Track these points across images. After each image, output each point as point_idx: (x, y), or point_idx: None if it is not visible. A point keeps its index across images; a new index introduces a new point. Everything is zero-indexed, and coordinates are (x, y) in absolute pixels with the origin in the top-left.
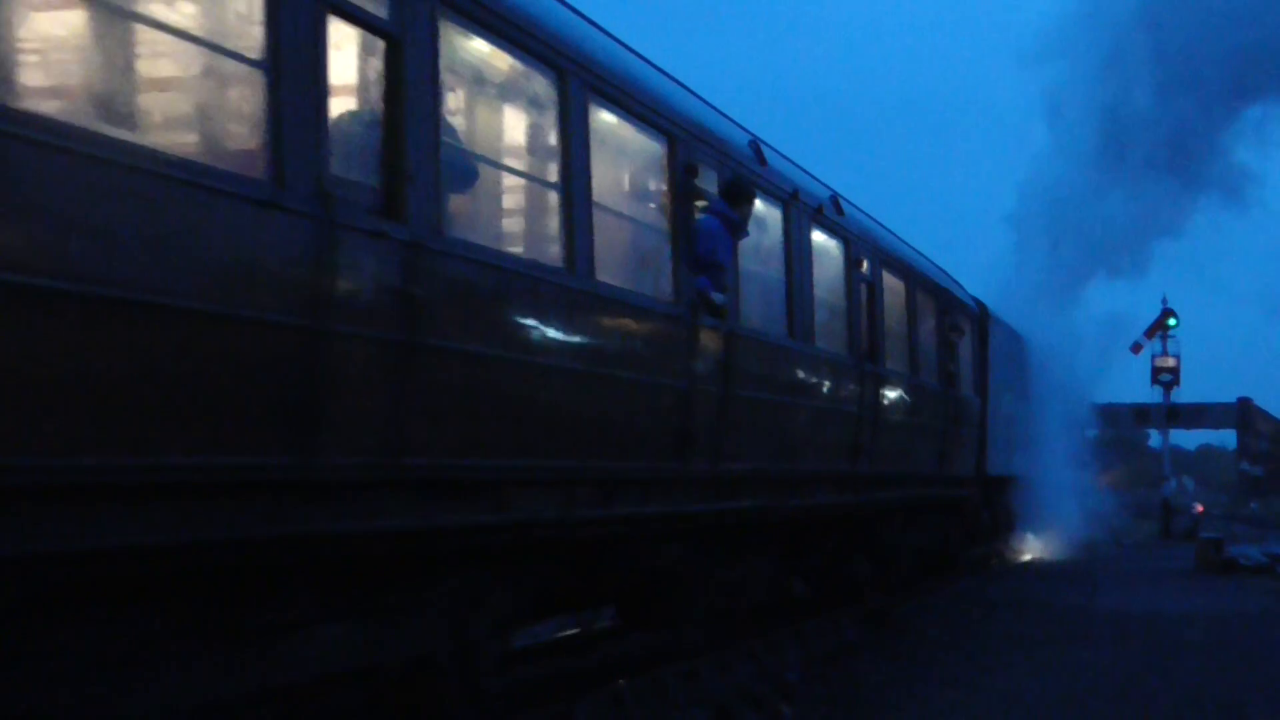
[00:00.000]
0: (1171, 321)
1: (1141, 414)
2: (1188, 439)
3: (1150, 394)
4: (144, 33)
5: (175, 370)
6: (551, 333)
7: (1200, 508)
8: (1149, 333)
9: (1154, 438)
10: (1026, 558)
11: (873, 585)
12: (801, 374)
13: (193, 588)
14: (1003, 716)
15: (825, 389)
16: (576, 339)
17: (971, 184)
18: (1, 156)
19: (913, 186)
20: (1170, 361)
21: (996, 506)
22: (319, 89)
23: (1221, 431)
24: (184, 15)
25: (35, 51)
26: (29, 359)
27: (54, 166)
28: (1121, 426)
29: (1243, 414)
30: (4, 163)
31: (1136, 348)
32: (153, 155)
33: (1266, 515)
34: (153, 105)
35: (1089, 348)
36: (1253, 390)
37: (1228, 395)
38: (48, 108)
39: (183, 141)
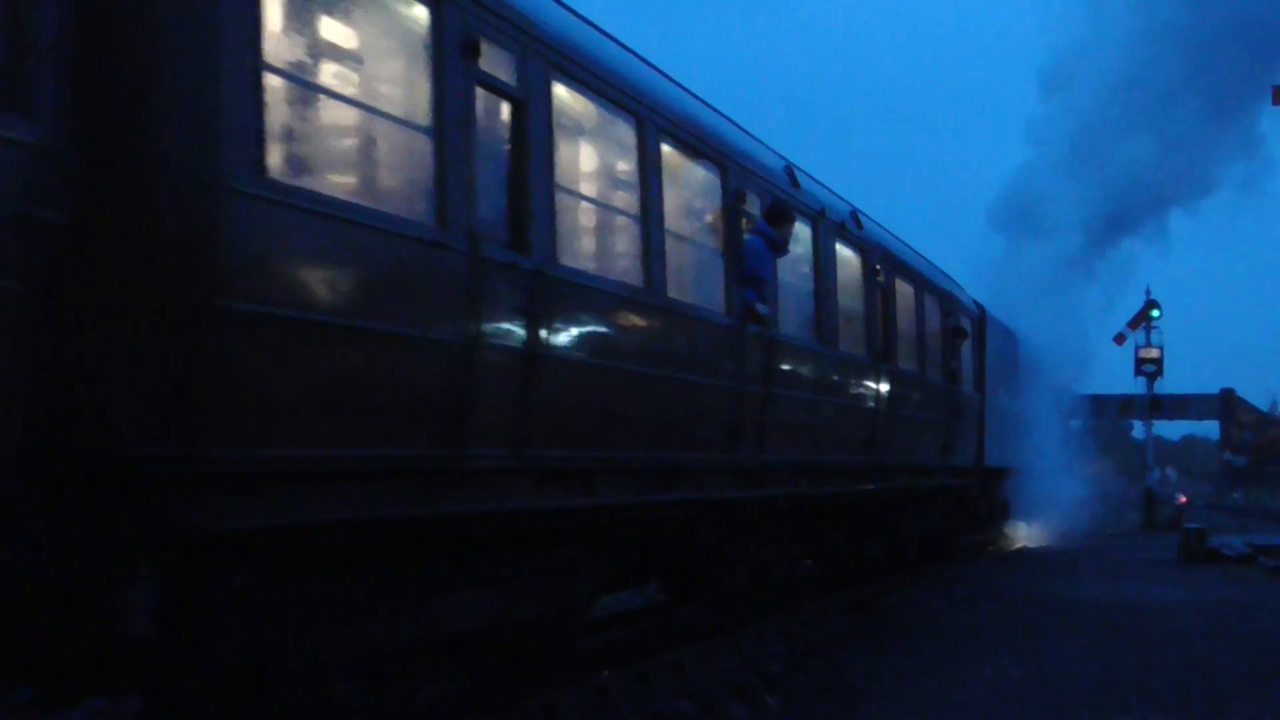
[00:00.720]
0: (1155, 313)
1: (1125, 405)
2: (1171, 429)
3: (1134, 385)
4: (347, 111)
5: (369, 379)
6: (632, 342)
7: (1184, 498)
8: (1133, 324)
9: (1137, 428)
10: (1019, 545)
11: (883, 567)
12: (828, 374)
13: (366, 556)
14: (986, 707)
15: (847, 387)
16: (651, 348)
17: (959, 171)
18: (277, 220)
19: (900, 174)
20: (1154, 352)
21: (993, 496)
22: (469, 148)
23: (1205, 422)
24: (379, 96)
25: (296, 138)
26: (294, 374)
27: (313, 226)
28: (1105, 417)
29: (1226, 405)
30: (283, 225)
31: (1120, 339)
32: (360, 210)
33: (1249, 505)
34: (355, 169)
35: (1075, 342)
36: (1236, 381)
37: (1211, 386)
38: (305, 182)
39: (379, 197)
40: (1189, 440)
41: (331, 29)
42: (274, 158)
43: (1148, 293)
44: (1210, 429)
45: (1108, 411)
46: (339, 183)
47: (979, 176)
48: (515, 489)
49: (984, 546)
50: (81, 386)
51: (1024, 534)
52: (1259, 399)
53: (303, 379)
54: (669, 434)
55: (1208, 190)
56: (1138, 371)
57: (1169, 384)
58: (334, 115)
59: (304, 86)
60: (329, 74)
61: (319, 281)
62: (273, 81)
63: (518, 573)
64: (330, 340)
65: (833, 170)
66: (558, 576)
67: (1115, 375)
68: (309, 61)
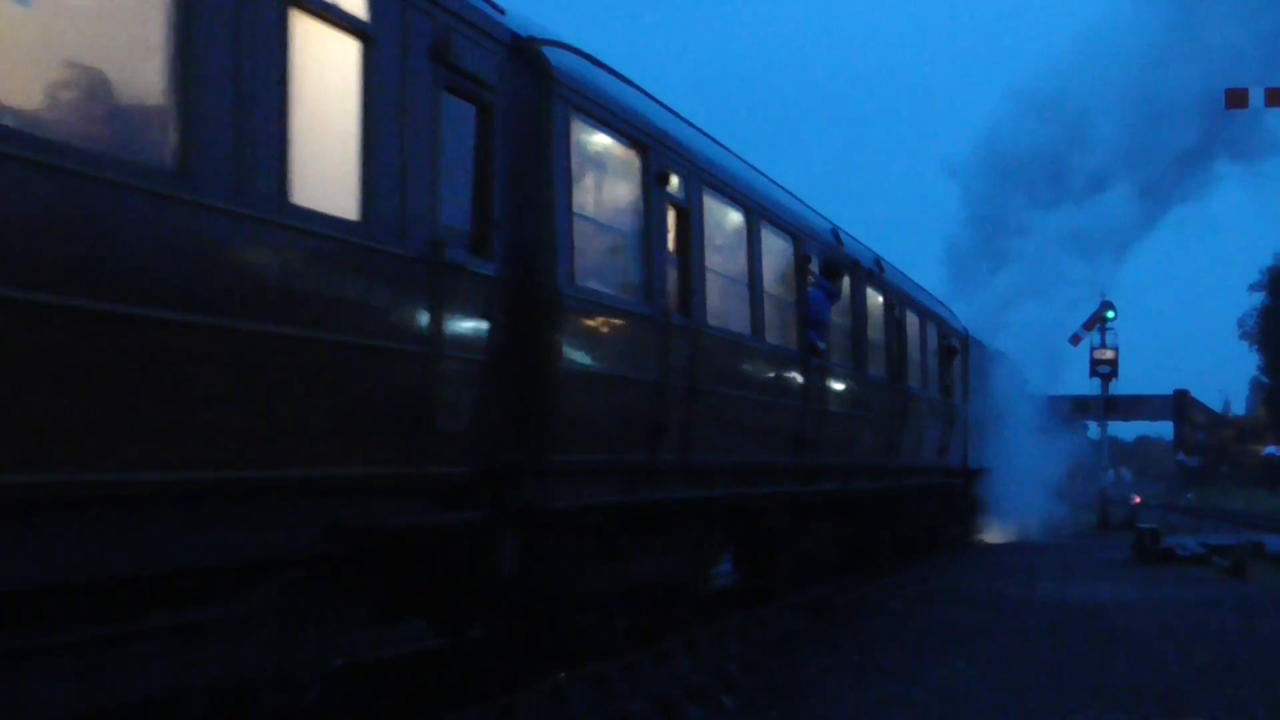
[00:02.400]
0: (1110, 314)
1: (1080, 405)
2: (1125, 430)
3: (1089, 386)
4: (599, 229)
5: (616, 410)
6: (745, 375)
7: (1138, 498)
8: (1087, 325)
9: (1092, 429)
10: (993, 539)
11: (888, 551)
12: (864, 394)
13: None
14: (942, 707)
15: (874, 403)
16: (755, 379)
17: (916, 168)
18: (580, 310)
19: (860, 170)
20: (1108, 354)
21: (972, 494)
22: (663, 245)
23: (1159, 423)
24: (616, 215)
25: (581, 254)
26: (584, 407)
27: (594, 312)
28: (1060, 418)
29: (1179, 406)
30: (584, 311)
31: (1075, 339)
32: (615, 299)
33: (1202, 506)
34: (608, 270)
35: (1036, 350)
36: (1189, 382)
37: (1165, 387)
38: (589, 283)
39: (622, 286)
40: (1143, 441)
41: (592, 176)
42: (576, 269)
43: (1102, 294)
44: (1164, 430)
45: (1062, 412)
46: (606, 279)
47: (935, 175)
48: (679, 484)
49: (963, 538)
50: (493, 419)
51: (994, 529)
52: (1212, 400)
53: (588, 409)
54: (761, 443)
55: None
56: (1093, 373)
57: (1123, 385)
58: (596, 234)
59: (581, 218)
60: (590, 205)
61: (600, 345)
62: (577, 221)
63: (670, 545)
64: (606, 385)
65: (789, 168)
66: (695, 548)
67: (1071, 376)
68: (585, 200)
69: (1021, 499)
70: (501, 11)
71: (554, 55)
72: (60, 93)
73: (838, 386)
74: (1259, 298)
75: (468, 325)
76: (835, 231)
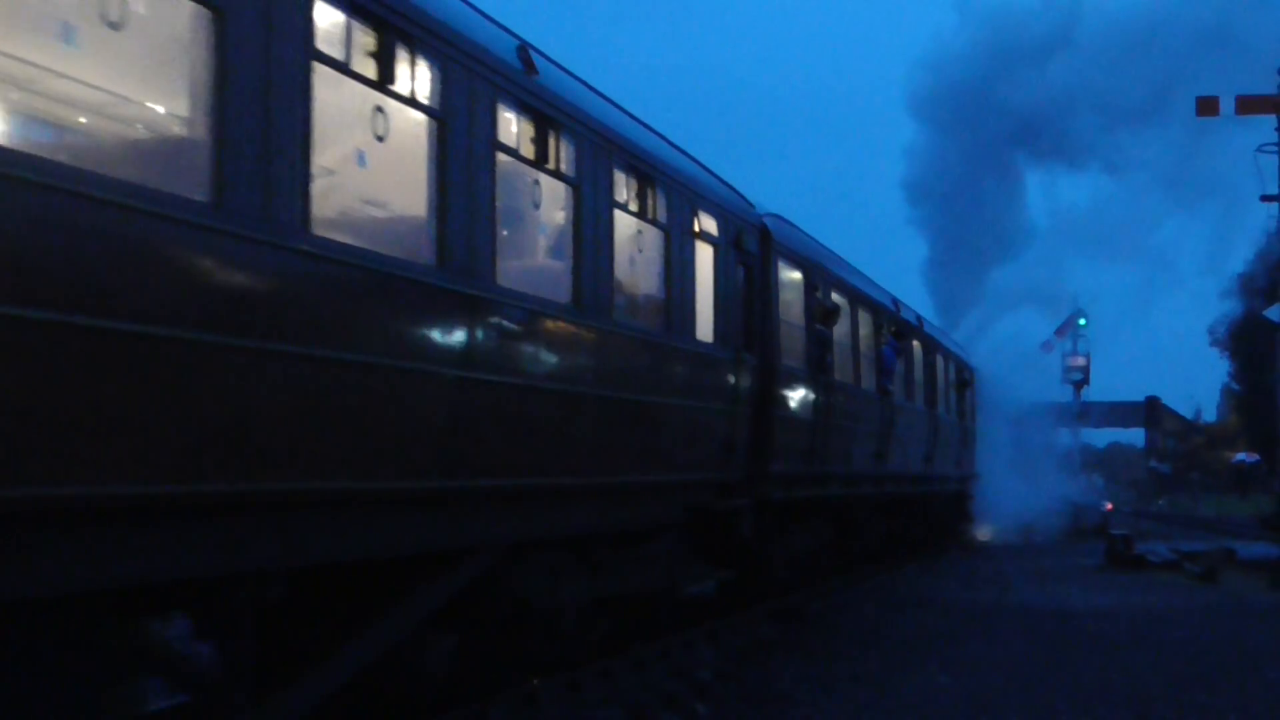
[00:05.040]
0: (1082, 321)
1: (1056, 412)
2: (1097, 437)
3: (1061, 392)
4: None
5: (800, 436)
6: (854, 412)
7: (1110, 505)
8: (1059, 332)
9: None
10: (981, 536)
11: (917, 541)
12: (916, 420)
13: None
14: (915, 714)
15: (918, 427)
16: (859, 413)
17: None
18: (783, 374)
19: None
20: (1080, 360)
21: (969, 498)
22: (740, 298)
23: (1130, 430)
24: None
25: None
26: (778, 435)
27: (784, 373)
28: (1039, 427)
29: (1151, 413)
30: (784, 378)
31: (1047, 346)
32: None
33: (1174, 512)
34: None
35: (1016, 366)
36: (1161, 389)
37: (1136, 394)
38: (788, 361)
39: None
40: (1115, 447)
41: (787, 292)
42: (783, 352)
43: (1074, 300)
44: (1136, 437)
45: (1040, 421)
46: (793, 357)
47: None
48: (809, 488)
49: (959, 537)
50: (747, 444)
51: (983, 528)
52: (1184, 407)
53: (787, 439)
54: (861, 457)
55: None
56: (1065, 379)
57: (1095, 392)
58: (789, 330)
59: (784, 322)
60: (787, 311)
61: (793, 400)
62: (783, 325)
63: (812, 527)
64: (796, 424)
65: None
66: (831, 524)
67: (1043, 383)
68: (785, 309)
69: (1005, 502)
70: (751, 205)
71: (771, 224)
72: None
73: (899, 416)
74: (1229, 305)
75: (745, 390)
76: (894, 300)
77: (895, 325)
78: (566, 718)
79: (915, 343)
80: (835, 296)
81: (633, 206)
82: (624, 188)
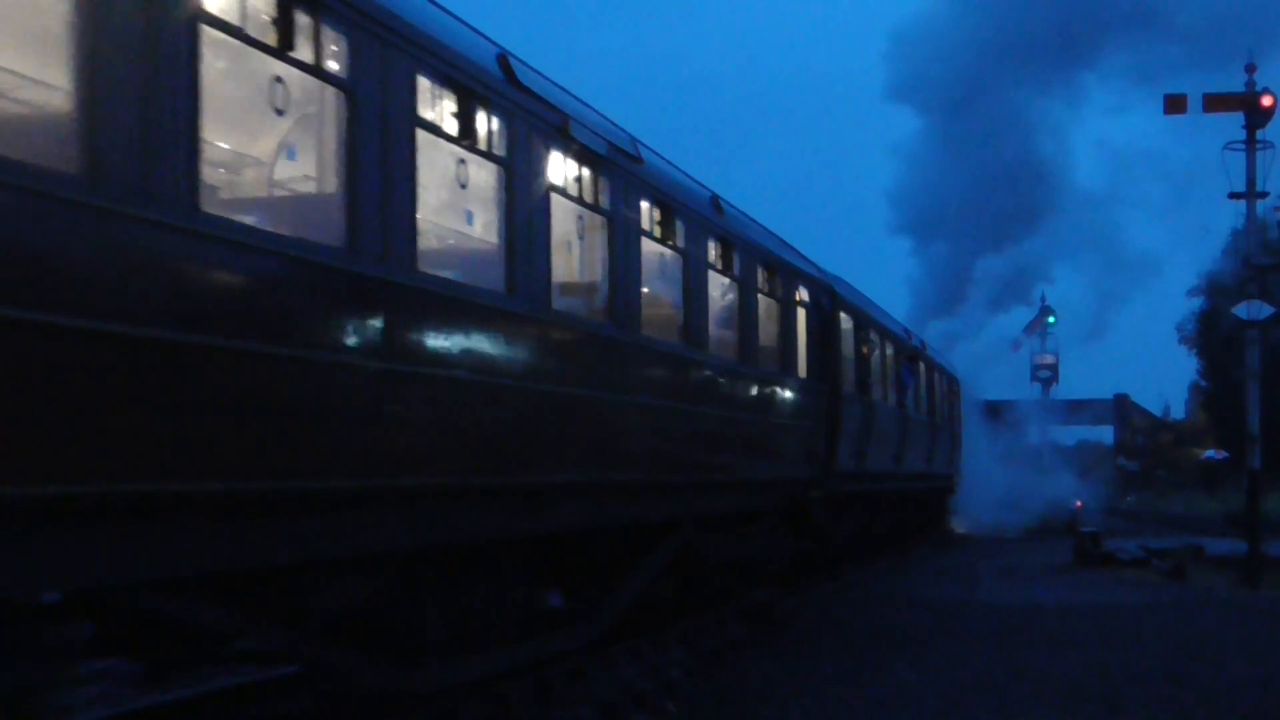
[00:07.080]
0: (1050, 319)
1: (1023, 410)
2: (1066, 434)
3: (1030, 390)
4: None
5: (853, 443)
6: (885, 420)
7: (1079, 502)
8: (1028, 329)
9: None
10: (959, 528)
11: (921, 534)
12: (924, 428)
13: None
14: (885, 712)
15: (923, 433)
16: (888, 422)
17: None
18: (848, 398)
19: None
20: (1049, 358)
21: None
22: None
23: (1099, 427)
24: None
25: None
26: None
27: (852, 403)
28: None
29: (1120, 410)
30: (849, 405)
31: (1016, 345)
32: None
33: (1142, 509)
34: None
35: (989, 369)
36: (1129, 386)
37: (1105, 392)
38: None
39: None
40: (1084, 445)
41: (845, 335)
42: (844, 379)
43: (1043, 299)
44: (1105, 434)
45: (1003, 417)
46: (849, 383)
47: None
48: (860, 483)
49: (947, 523)
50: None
51: (960, 520)
52: (1152, 404)
53: (847, 446)
54: (883, 459)
55: None
56: (1033, 377)
57: (1064, 389)
58: (848, 364)
59: (845, 359)
60: (845, 348)
61: (852, 417)
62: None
63: (857, 515)
64: (853, 435)
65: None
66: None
67: (1012, 380)
68: (844, 348)
69: (979, 499)
70: (822, 271)
71: (837, 285)
72: None
73: (911, 425)
74: (1197, 302)
75: (822, 410)
76: (907, 330)
77: (909, 352)
78: (537, 718)
79: (921, 364)
80: (872, 334)
81: (764, 288)
82: (762, 279)
